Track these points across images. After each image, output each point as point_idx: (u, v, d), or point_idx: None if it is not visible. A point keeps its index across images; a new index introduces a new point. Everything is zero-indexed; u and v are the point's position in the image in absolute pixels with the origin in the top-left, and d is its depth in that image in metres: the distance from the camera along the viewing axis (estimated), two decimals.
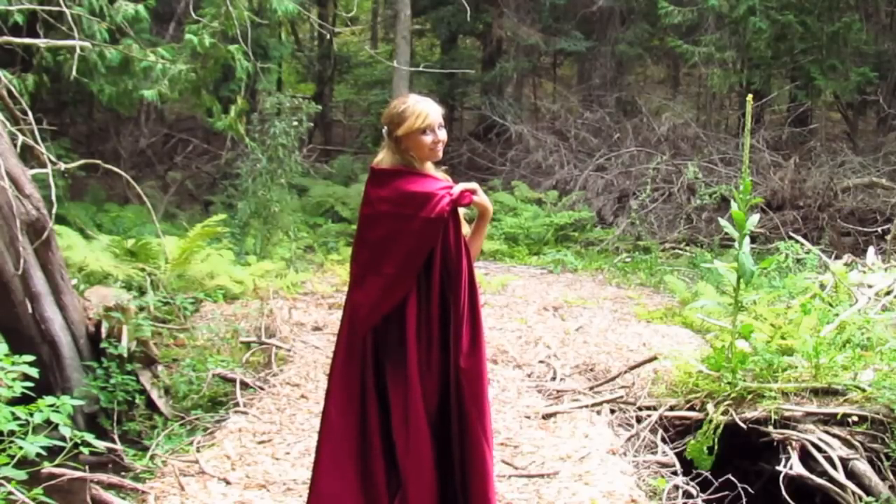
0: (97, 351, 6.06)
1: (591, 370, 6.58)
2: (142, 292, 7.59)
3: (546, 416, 5.53)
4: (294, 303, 8.52)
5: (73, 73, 7.24)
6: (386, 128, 3.30)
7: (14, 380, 4.01)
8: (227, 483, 4.45)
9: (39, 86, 8.83)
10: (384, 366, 3.26)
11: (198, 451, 4.93)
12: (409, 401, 3.17)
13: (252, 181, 10.33)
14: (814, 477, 4.99)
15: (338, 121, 20.81)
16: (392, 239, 3.20)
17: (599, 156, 14.70)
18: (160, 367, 6.29)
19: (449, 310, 3.21)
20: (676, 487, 4.76)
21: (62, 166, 6.68)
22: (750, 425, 5.32)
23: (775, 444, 5.27)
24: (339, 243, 12.15)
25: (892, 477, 5.10)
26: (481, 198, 3.30)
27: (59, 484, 4.06)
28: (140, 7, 8.69)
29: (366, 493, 3.25)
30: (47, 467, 3.96)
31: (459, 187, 3.24)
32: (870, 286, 7.85)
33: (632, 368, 6.24)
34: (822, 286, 8.16)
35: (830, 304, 7.48)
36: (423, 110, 3.23)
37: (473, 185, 3.29)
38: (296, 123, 10.55)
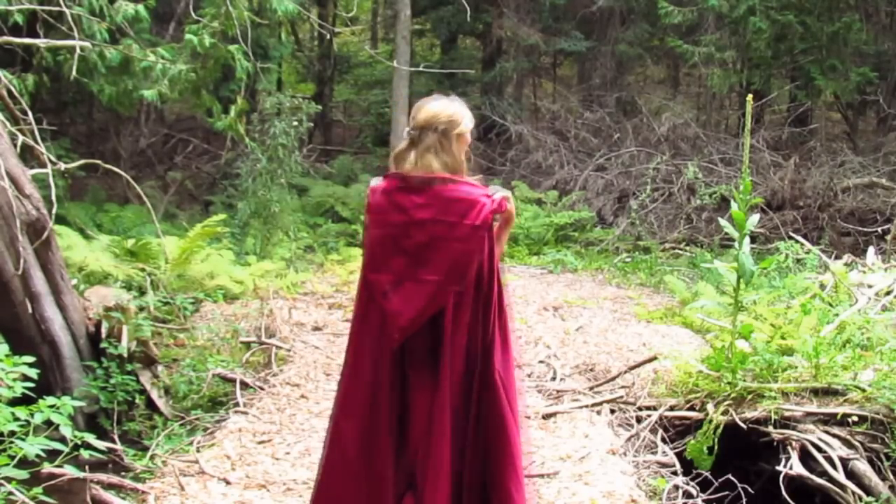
0: (97, 351, 6.06)
1: (591, 370, 6.58)
2: (142, 292, 7.59)
3: (546, 416, 5.53)
4: (294, 303, 8.51)
5: (73, 73, 7.24)
6: (437, 128, 3.15)
7: (14, 380, 4.00)
8: (227, 483, 4.45)
9: (39, 86, 8.84)
10: (405, 367, 3.22)
11: (198, 451, 4.92)
12: (436, 405, 3.14)
13: (252, 181, 10.33)
14: (814, 477, 4.99)
15: (338, 121, 20.79)
16: (434, 247, 3.12)
17: (599, 156, 14.69)
18: (160, 367, 6.29)
19: (478, 317, 3.18)
20: (676, 487, 4.76)
21: (62, 166, 6.69)
22: (750, 425, 5.32)
23: (775, 444, 5.28)
24: (339, 243, 12.15)
25: (892, 477, 5.10)
26: (511, 205, 3.28)
27: (59, 484, 4.06)
28: (140, 7, 8.70)
29: (370, 492, 3.23)
30: (47, 467, 3.96)
31: (499, 195, 3.20)
32: (870, 286, 7.85)
33: (632, 368, 6.24)
34: (822, 286, 8.16)
35: (830, 304, 7.49)
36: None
37: (507, 193, 3.26)
38: (296, 123, 10.54)
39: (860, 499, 4.86)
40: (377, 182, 3.27)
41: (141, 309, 6.98)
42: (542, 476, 4.59)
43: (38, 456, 3.74)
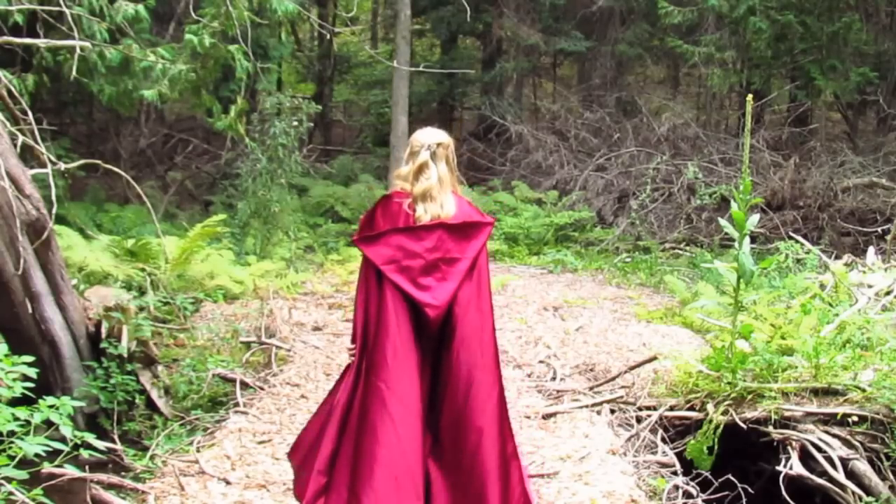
0: (97, 351, 6.06)
1: (591, 370, 6.58)
2: (142, 292, 7.59)
3: (546, 416, 5.53)
4: (294, 303, 8.51)
5: (73, 73, 7.23)
6: (446, 152, 3.54)
7: (14, 380, 4.00)
8: (227, 483, 4.46)
9: (39, 86, 8.83)
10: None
11: (198, 451, 4.93)
12: (481, 375, 3.58)
13: (252, 181, 10.34)
14: (814, 477, 4.99)
15: (338, 121, 20.81)
16: (446, 279, 3.49)
17: (599, 156, 14.70)
18: (160, 367, 6.29)
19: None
20: (676, 487, 4.76)
21: (62, 166, 6.68)
22: (750, 425, 5.32)
23: (775, 444, 5.28)
24: (339, 243, 12.15)
25: (892, 477, 5.10)
26: None
27: (59, 484, 4.06)
28: (140, 7, 8.70)
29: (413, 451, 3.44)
30: (47, 467, 3.96)
31: None
32: (870, 286, 7.85)
33: (632, 368, 6.24)
34: (822, 286, 8.16)
35: (830, 304, 7.49)
36: None
37: None
38: (296, 123, 10.55)
39: (860, 499, 4.86)
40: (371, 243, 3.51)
41: (141, 309, 6.98)
42: (542, 476, 4.59)
43: (38, 456, 3.73)
